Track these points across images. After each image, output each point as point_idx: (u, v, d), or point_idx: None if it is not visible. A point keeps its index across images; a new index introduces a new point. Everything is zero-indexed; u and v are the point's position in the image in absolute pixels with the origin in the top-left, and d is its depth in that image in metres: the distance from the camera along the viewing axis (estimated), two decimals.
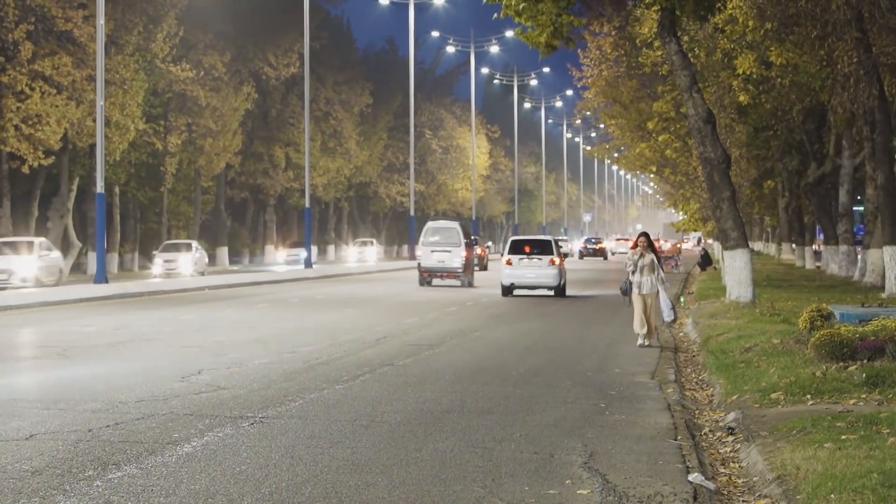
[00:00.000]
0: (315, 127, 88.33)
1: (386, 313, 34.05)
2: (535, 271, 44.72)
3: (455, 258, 52.27)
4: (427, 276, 52.65)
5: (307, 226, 74.68)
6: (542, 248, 45.25)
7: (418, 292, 46.54)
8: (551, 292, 44.80)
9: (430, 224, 55.87)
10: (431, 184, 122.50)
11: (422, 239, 54.02)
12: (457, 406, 15.55)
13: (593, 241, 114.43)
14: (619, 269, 22.17)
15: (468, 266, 52.64)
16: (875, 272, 40.07)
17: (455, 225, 54.86)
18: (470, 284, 52.17)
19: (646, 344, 24.24)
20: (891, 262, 34.02)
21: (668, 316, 25.21)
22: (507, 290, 44.85)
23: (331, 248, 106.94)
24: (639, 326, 24.45)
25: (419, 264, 53.34)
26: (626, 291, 24.93)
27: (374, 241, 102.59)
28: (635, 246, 25.07)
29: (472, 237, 57.82)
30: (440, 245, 52.81)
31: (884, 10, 32.47)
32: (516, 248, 45.45)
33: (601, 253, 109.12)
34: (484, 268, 70.98)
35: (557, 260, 44.87)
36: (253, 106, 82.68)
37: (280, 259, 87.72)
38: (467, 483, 10.79)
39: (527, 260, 44.87)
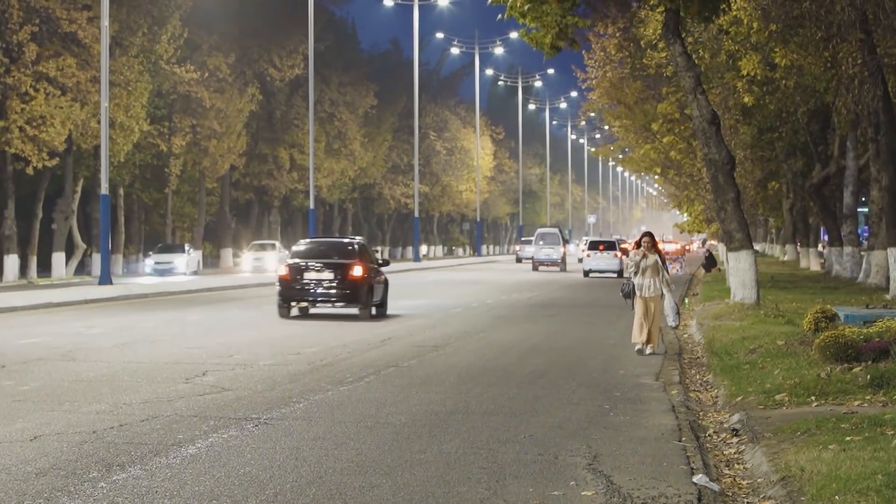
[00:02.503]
0: (319, 128, 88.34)
1: (390, 314, 34.04)
2: (604, 262, 66.46)
3: (556, 253, 78.21)
4: (536, 266, 78.41)
5: (311, 227, 74.74)
6: (609, 246, 68.58)
7: (424, 293, 46.51)
8: (615, 275, 64.25)
9: (539, 230, 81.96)
10: (436, 185, 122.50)
11: (534, 240, 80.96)
12: (461, 407, 15.55)
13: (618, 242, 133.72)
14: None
15: (564, 259, 78.43)
16: (879, 273, 40.05)
17: (556, 231, 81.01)
18: (563, 270, 76.44)
19: (647, 352, 22.80)
20: (895, 264, 33.99)
21: (672, 321, 23.80)
22: (586, 273, 66.36)
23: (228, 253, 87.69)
24: (638, 332, 22.97)
25: (533, 257, 79.77)
26: (628, 294, 23.37)
27: (278, 243, 78.00)
28: (637, 246, 23.71)
29: (566, 239, 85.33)
30: (546, 244, 78.70)
31: (888, 12, 32.45)
32: (592, 245, 68.32)
33: (624, 252, 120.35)
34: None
35: (619, 254, 66.12)
36: (257, 107, 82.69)
37: (147, 268, 68.33)
38: (472, 484, 10.80)
39: (599, 254, 66.88)
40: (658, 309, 23.17)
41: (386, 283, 34.19)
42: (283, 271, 32.65)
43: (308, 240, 36.57)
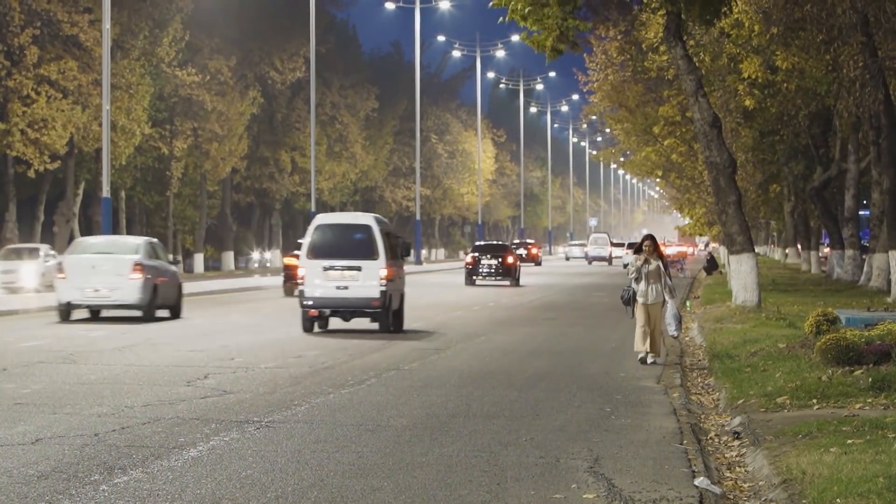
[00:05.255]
0: (321, 131, 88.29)
1: None
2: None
3: (605, 252, 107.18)
4: (591, 261, 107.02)
5: None
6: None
7: (426, 296, 46.52)
8: None
9: (593, 235, 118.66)
10: (437, 188, 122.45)
11: (588, 242, 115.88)
12: (462, 410, 15.55)
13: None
14: None
15: (610, 256, 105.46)
16: (881, 276, 40.02)
17: (605, 235, 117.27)
18: (610, 263, 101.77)
19: (649, 361, 21.49)
20: None
21: (673, 330, 22.35)
22: (625, 266, 76.09)
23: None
24: (640, 342, 21.62)
25: (587, 254, 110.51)
26: (628, 301, 21.99)
27: (45, 247, 52.64)
28: (638, 250, 22.29)
29: (611, 241, 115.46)
30: (598, 245, 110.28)
31: (889, 15, 32.44)
32: (630, 246, 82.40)
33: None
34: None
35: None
36: (259, 110, 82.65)
37: None
38: (473, 488, 10.80)
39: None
40: (660, 316, 21.89)
41: (520, 266, 60.06)
42: (469, 259, 58.27)
43: (480, 242, 66.03)
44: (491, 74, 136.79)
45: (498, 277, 57.25)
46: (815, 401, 15.13)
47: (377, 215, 30.29)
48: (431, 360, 22.00)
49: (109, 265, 32.15)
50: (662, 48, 42.61)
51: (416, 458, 12.10)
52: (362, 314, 28.34)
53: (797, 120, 49.56)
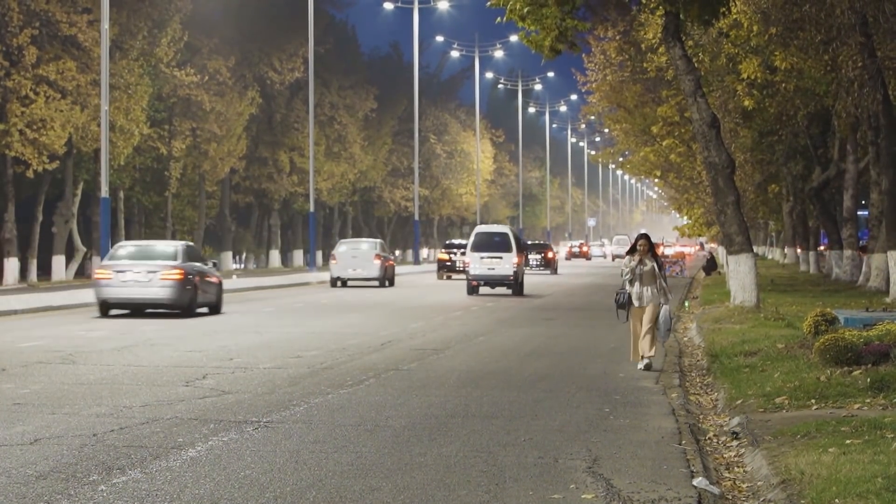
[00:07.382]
0: (320, 132, 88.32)
1: (391, 318, 34.06)
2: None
3: (625, 251, 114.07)
4: (614, 258, 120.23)
5: (312, 230, 74.75)
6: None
7: (425, 297, 46.60)
8: None
9: (616, 236, 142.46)
10: (436, 188, 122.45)
11: (613, 241, 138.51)
12: (461, 411, 15.55)
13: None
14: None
15: None
16: (879, 277, 40.04)
17: (627, 236, 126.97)
18: None
19: (644, 364, 20.47)
20: (895, 267, 33.98)
21: (662, 336, 21.07)
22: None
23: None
24: (642, 348, 20.64)
25: (612, 253, 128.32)
26: (623, 305, 20.95)
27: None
28: (632, 250, 21.31)
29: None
30: (620, 246, 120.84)
31: (888, 15, 32.43)
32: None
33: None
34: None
35: (658, 249, 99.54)
36: (257, 111, 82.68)
37: None
38: (472, 488, 10.80)
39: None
40: (655, 317, 20.80)
41: (558, 260, 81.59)
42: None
43: (527, 242, 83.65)
44: (490, 75, 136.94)
45: (541, 268, 76.84)
46: (813, 401, 15.13)
47: (511, 227, 56.94)
48: (430, 361, 22.00)
49: (362, 254, 54.91)
50: (661, 48, 42.62)
51: (414, 459, 12.10)
52: (502, 284, 47.44)
53: (796, 120, 49.57)
